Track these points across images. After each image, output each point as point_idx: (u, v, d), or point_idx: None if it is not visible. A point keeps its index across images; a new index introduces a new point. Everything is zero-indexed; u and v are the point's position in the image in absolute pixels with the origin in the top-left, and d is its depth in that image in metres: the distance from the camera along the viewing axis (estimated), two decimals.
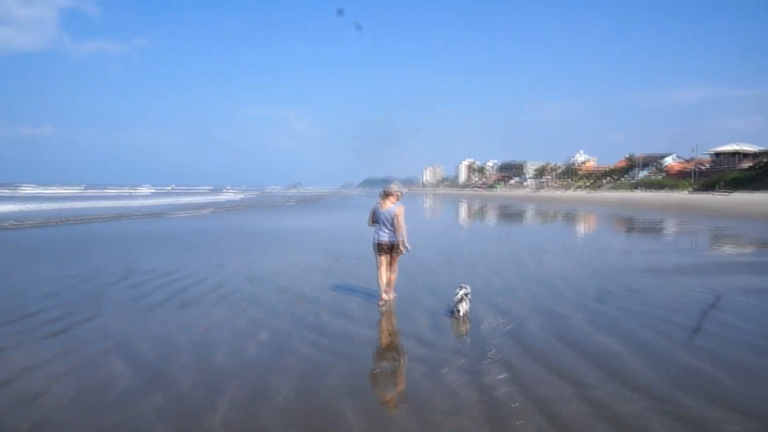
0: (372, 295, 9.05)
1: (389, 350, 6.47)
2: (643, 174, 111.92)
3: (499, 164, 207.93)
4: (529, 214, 39.37)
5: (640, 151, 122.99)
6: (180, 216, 32.80)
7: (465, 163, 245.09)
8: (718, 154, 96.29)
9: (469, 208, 50.50)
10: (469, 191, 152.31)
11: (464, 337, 6.85)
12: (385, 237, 8.45)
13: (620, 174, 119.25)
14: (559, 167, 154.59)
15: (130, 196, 72.04)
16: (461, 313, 7.71)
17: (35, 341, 6.51)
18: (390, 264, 8.58)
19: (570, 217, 35.51)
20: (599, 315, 7.98)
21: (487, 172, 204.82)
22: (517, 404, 4.72)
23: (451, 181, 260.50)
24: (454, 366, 5.69)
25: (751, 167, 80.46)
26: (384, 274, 8.58)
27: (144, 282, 10.20)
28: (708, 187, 75.55)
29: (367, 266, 11.64)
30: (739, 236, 21.91)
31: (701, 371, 5.61)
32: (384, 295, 8.62)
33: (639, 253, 15.76)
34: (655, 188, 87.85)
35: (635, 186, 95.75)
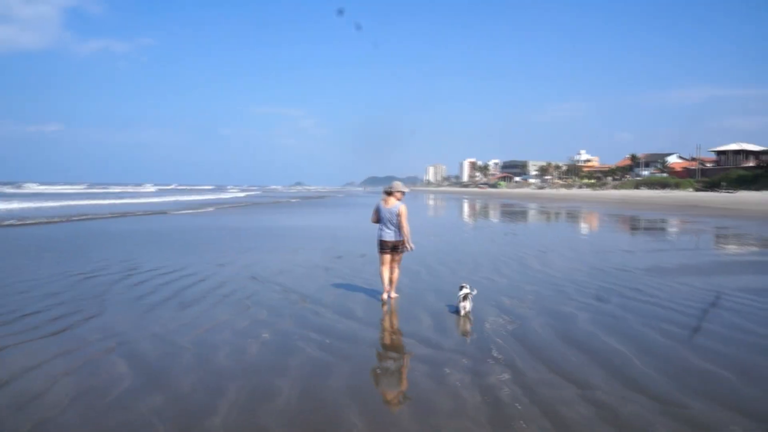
0: (375, 295, 9.03)
1: (392, 351, 6.43)
2: (646, 173, 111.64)
3: (502, 163, 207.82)
4: (534, 213, 39.28)
5: (642, 151, 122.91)
6: (184, 214, 32.81)
7: (468, 161, 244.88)
8: (721, 153, 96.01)
9: (473, 207, 50.42)
10: (472, 189, 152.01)
11: (467, 337, 6.80)
12: (388, 236, 8.53)
13: (623, 173, 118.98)
14: (562, 166, 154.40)
15: (134, 194, 72.17)
16: (463, 312, 7.72)
17: (36, 341, 6.48)
18: (393, 262, 8.65)
19: (574, 216, 35.42)
20: (603, 315, 7.92)
21: (490, 171, 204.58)
22: (520, 406, 4.67)
23: (455, 180, 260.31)
24: (457, 366, 5.65)
25: (755, 166, 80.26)
26: (387, 272, 8.69)
27: (146, 281, 10.17)
28: (712, 185, 75.32)
29: (371, 265, 11.62)
30: (745, 235, 21.81)
31: (706, 372, 5.55)
32: (387, 288, 8.72)
33: (644, 252, 15.68)
34: (659, 187, 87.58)
35: (639, 184, 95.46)
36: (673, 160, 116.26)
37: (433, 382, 5.22)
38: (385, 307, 8.40)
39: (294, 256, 13.97)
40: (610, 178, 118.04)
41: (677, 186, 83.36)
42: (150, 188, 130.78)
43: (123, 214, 31.18)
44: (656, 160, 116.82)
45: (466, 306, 7.75)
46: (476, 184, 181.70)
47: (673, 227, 27.00)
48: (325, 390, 5.04)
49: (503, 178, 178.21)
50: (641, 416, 4.50)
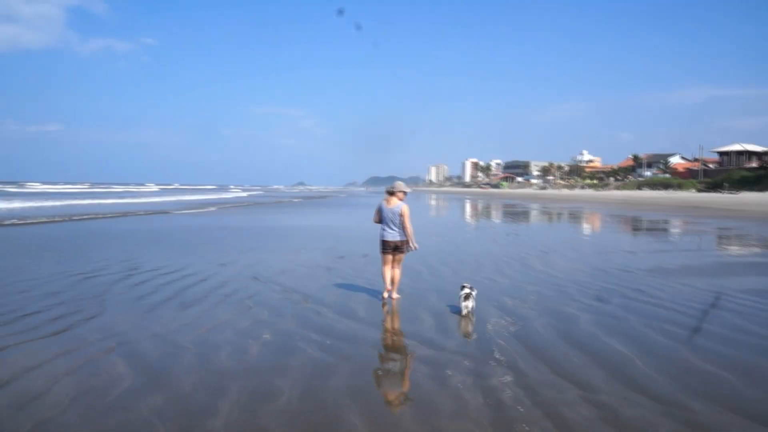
0: (377, 296, 9.02)
1: (394, 351, 6.40)
2: (648, 173, 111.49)
3: (504, 163, 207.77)
4: (536, 213, 39.22)
5: (644, 151, 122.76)
6: (185, 213, 32.82)
7: (470, 161, 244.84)
8: (723, 154, 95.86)
9: (475, 207, 50.38)
10: (474, 190, 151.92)
11: (469, 338, 6.78)
12: (390, 235, 8.56)
13: (626, 173, 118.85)
14: (564, 166, 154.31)
15: (136, 194, 72.23)
16: (464, 312, 7.72)
17: (36, 340, 6.47)
18: (395, 262, 8.66)
19: (576, 216, 35.36)
20: (605, 316, 7.89)
21: (492, 171, 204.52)
22: (522, 408, 4.64)
23: (457, 180, 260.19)
24: (459, 368, 5.62)
25: (757, 167, 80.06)
26: (388, 271, 8.73)
27: (147, 281, 10.16)
28: (714, 186, 75.16)
29: (372, 265, 11.60)
30: (746, 236, 21.75)
31: (708, 374, 5.52)
32: (388, 287, 8.75)
33: (645, 252, 15.64)
34: (661, 187, 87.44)
35: (641, 185, 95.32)
36: (675, 160, 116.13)
37: (435, 384, 5.20)
38: (386, 307, 8.40)
39: (296, 255, 13.95)
40: (612, 179, 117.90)
41: (680, 187, 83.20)
42: (152, 188, 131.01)
43: (124, 213, 31.20)
44: (658, 161, 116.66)
45: (468, 305, 7.74)
46: (478, 185, 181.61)
47: (674, 228, 26.93)
48: (326, 391, 5.02)
49: (505, 179, 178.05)
50: (643, 418, 4.47)
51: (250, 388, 5.09)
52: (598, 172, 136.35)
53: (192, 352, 6.12)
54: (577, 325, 7.39)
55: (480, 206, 52.69)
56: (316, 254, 14.19)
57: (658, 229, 26.41)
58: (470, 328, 7.21)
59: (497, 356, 6.00)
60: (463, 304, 7.75)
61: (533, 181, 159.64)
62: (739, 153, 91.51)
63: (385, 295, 8.78)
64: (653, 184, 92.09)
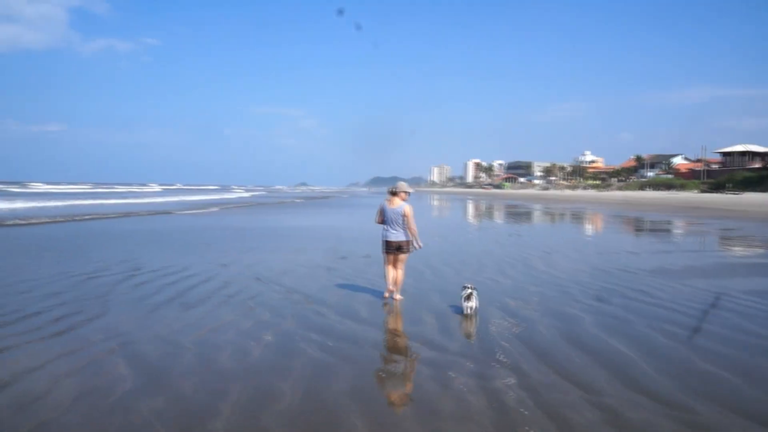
0: (379, 296, 9.00)
1: (395, 353, 6.37)
2: (651, 174, 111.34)
3: (507, 164, 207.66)
4: (538, 214, 39.17)
5: (647, 152, 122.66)
6: (188, 214, 32.83)
7: (472, 162, 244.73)
8: (726, 154, 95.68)
9: (477, 208, 50.33)
10: (477, 190, 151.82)
11: (472, 340, 6.75)
12: (393, 236, 8.57)
13: (628, 174, 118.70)
14: (567, 167, 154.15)
15: (138, 194, 72.32)
16: (467, 312, 7.71)
17: (38, 341, 6.46)
18: (397, 262, 8.67)
19: (579, 217, 35.30)
20: (608, 317, 7.85)
21: (494, 172, 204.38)
22: (526, 410, 4.61)
23: (459, 180, 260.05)
24: (461, 370, 5.59)
25: (760, 167, 79.89)
26: (391, 272, 8.73)
27: (149, 281, 10.16)
28: (717, 187, 75.01)
29: (374, 266, 11.58)
30: (749, 237, 21.67)
31: (715, 377, 5.48)
32: (390, 287, 8.75)
33: (648, 253, 15.59)
34: (664, 188, 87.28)
35: (644, 186, 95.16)
36: (678, 161, 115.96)
37: (437, 385, 5.17)
38: (387, 307, 8.39)
39: (298, 256, 13.93)
40: (614, 179, 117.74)
41: (683, 187, 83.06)
42: (155, 188, 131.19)
43: (127, 214, 31.22)
44: (661, 161, 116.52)
45: (471, 305, 7.71)
46: (481, 185, 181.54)
47: (677, 229, 26.86)
48: (327, 392, 4.99)
49: (508, 179, 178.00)
50: (647, 421, 4.44)
51: (251, 389, 5.07)
52: (600, 172, 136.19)
53: (193, 352, 6.10)
54: (580, 326, 7.35)
55: (482, 207, 52.64)
56: (318, 255, 14.17)
57: (660, 229, 26.34)
58: (473, 329, 7.18)
59: (500, 358, 5.97)
60: (466, 304, 7.73)
61: (536, 181, 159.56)
62: (742, 153, 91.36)
63: (386, 295, 8.78)
64: (656, 185, 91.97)
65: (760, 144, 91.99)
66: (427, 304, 8.57)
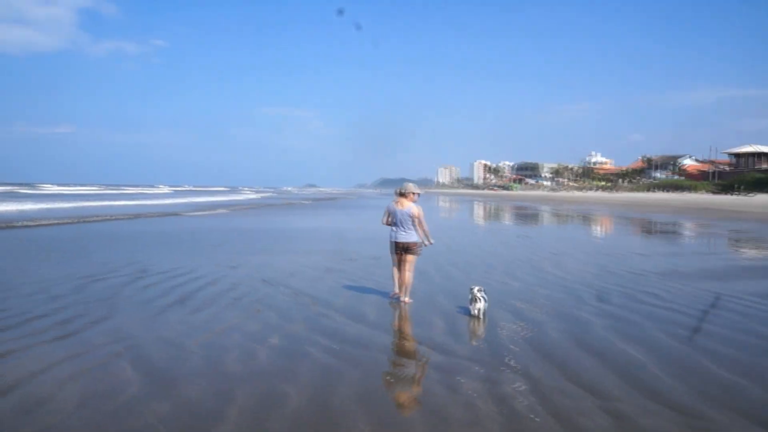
0: (387, 298, 8.94)
1: (403, 356, 6.30)
2: (660, 175, 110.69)
3: (515, 165, 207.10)
4: (547, 216, 38.98)
5: (653, 152, 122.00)
6: (197, 215, 32.88)
7: (480, 163, 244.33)
8: (736, 155, 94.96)
9: (486, 209, 50.17)
10: (485, 191, 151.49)
11: (481, 343, 6.67)
12: (401, 237, 8.57)
13: (637, 175, 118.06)
14: (576, 168, 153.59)
15: (148, 196, 72.61)
16: (474, 313, 7.65)
17: (43, 344, 6.42)
18: (405, 263, 8.64)
19: (587, 219, 35.09)
20: (618, 320, 7.74)
21: (503, 173, 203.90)
22: (536, 417, 4.52)
23: (467, 182, 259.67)
24: (470, 374, 5.51)
25: None
26: (398, 273, 8.72)
27: (156, 283, 10.13)
28: (727, 188, 74.42)
29: (382, 268, 11.52)
30: (762, 239, 21.45)
31: (729, 383, 5.37)
32: (396, 289, 8.74)
33: (657, 255, 15.44)
34: (673, 189, 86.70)
35: (653, 187, 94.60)
36: (687, 162, 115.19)
37: (445, 390, 5.09)
38: (392, 307, 8.37)
39: (306, 258, 13.89)
40: (623, 181, 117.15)
41: (692, 189, 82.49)
42: (164, 189, 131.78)
43: (136, 215, 31.30)
44: (670, 162, 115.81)
45: (479, 306, 7.64)
46: (489, 187, 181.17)
47: (686, 231, 26.64)
48: (334, 396, 4.93)
49: (516, 180, 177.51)
50: (661, 428, 4.34)
51: (257, 393, 5.01)
52: (609, 173, 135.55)
53: (200, 356, 6.06)
54: (590, 329, 7.25)
55: (490, 208, 52.47)
56: (326, 256, 14.12)
57: (668, 231, 26.13)
58: (481, 333, 7.10)
59: (509, 362, 5.89)
60: (473, 306, 7.67)
61: (544, 183, 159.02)
62: (752, 154, 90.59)
63: (392, 295, 8.74)
64: (664, 186, 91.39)
65: None
66: (436, 306, 8.49)
